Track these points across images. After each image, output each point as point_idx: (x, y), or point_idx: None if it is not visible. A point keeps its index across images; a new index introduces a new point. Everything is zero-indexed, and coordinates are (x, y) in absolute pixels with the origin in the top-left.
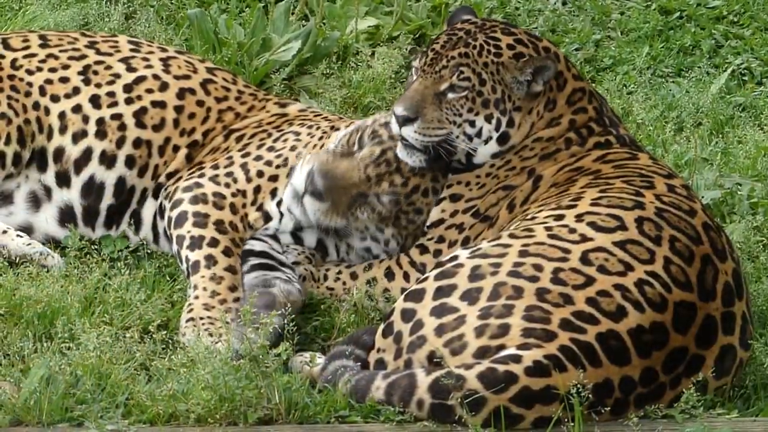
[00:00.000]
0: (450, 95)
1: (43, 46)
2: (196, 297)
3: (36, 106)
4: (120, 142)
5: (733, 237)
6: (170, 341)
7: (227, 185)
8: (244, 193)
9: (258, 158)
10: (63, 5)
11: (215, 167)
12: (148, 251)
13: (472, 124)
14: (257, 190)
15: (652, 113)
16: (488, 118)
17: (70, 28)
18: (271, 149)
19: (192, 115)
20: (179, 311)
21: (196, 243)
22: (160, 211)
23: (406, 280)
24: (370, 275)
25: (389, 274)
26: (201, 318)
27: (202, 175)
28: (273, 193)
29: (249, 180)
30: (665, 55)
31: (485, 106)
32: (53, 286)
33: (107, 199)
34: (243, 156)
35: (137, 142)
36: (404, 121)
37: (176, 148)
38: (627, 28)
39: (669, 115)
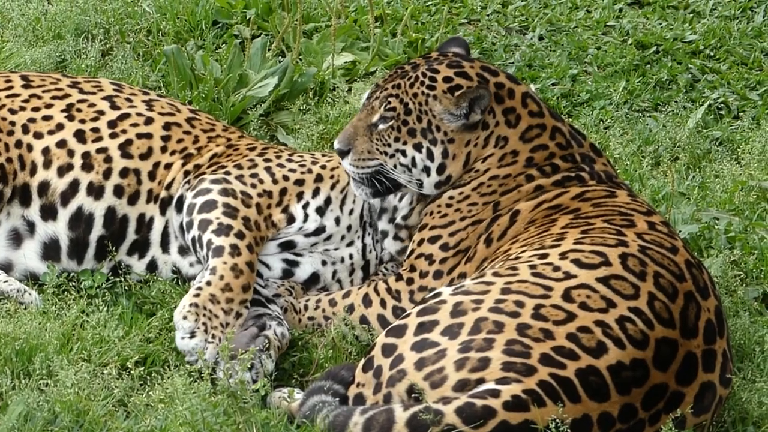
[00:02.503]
0: (380, 126)
1: (26, 86)
2: (209, 283)
3: (18, 144)
4: (107, 174)
5: (711, 271)
6: (148, 377)
7: (253, 186)
8: (270, 194)
9: (281, 165)
10: (39, 42)
11: (239, 167)
12: (126, 287)
13: (404, 153)
14: (283, 192)
15: (629, 148)
16: (418, 148)
17: (46, 65)
18: (290, 160)
19: (180, 140)
20: (157, 347)
21: (223, 230)
22: (178, 204)
23: (383, 307)
24: (348, 302)
25: (366, 301)
26: (205, 308)
27: (228, 173)
28: (299, 196)
29: (275, 182)
30: (642, 89)
31: (412, 135)
32: (31, 323)
33: (97, 230)
34: (265, 161)
35: (124, 172)
36: (340, 154)
37: (168, 166)
38: (604, 62)
39: (646, 150)
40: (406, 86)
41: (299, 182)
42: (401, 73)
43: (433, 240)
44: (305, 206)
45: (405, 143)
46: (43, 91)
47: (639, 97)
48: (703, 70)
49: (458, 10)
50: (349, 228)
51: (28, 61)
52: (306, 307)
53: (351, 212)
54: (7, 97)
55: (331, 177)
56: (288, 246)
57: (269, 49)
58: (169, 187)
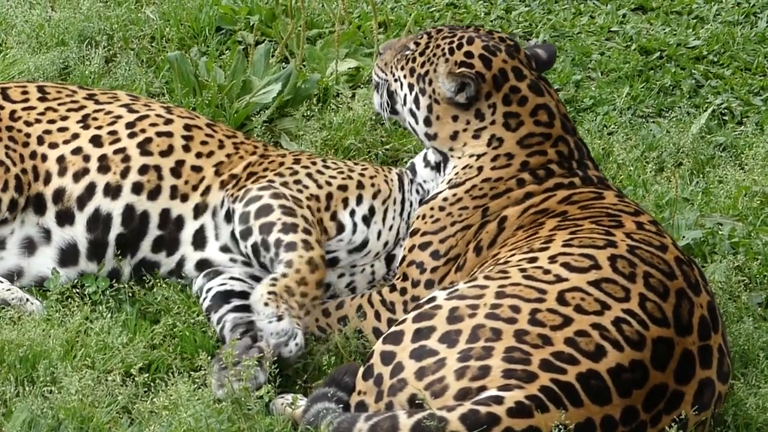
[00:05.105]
0: (405, 52)
1: (42, 99)
2: (284, 275)
3: (33, 155)
4: (125, 173)
5: (715, 277)
6: (152, 384)
7: (299, 190)
8: (317, 198)
9: (320, 172)
10: (43, 49)
11: (280, 175)
12: (130, 294)
13: (401, 85)
14: (329, 196)
15: (632, 153)
16: (410, 87)
17: (50, 72)
18: (327, 167)
19: (205, 142)
20: (161, 354)
21: (289, 228)
22: (227, 216)
23: (377, 320)
24: (341, 313)
25: (361, 314)
26: (281, 297)
27: (271, 181)
28: (345, 202)
29: (319, 186)
30: (645, 95)
31: (411, 73)
32: (35, 330)
33: (116, 229)
34: (303, 167)
35: (143, 169)
36: (377, 56)
37: (197, 168)
38: (607, 68)
39: (650, 156)
40: (440, 38)
41: (342, 188)
42: (455, 27)
43: (423, 247)
44: (352, 214)
45: (404, 76)
46: (59, 104)
47: (643, 102)
48: (707, 76)
49: (462, 15)
50: (385, 244)
51: (32, 68)
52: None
53: (390, 228)
54: (23, 109)
55: (372, 185)
56: (332, 263)
57: (273, 56)
58: (204, 193)
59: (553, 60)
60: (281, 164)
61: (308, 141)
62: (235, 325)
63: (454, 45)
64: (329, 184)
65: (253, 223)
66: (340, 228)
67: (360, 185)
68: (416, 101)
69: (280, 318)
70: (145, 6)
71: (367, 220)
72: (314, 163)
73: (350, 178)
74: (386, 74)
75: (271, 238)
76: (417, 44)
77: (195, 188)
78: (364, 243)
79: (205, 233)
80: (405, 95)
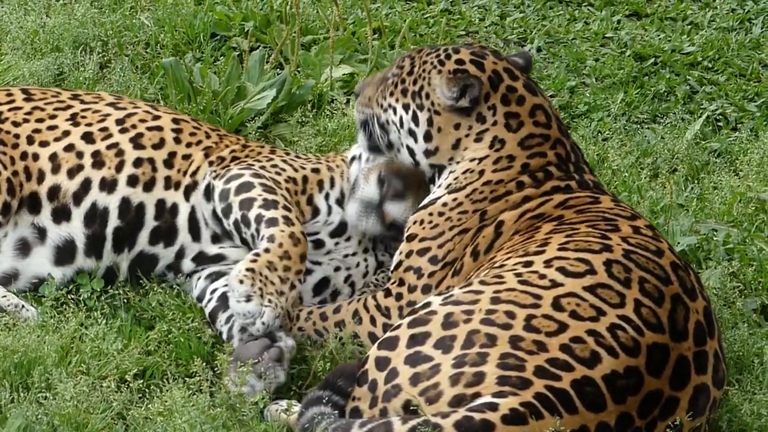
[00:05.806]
0: (388, 81)
1: (27, 99)
2: (267, 250)
3: (24, 156)
4: (119, 167)
5: (710, 283)
6: (147, 390)
7: (278, 173)
8: (294, 181)
9: (293, 159)
10: (38, 55)
11: (258, 160)
12: (125, 300)
13: (395, 110)
14: (305, 180)
15: (627, 159)
16: (406, 108)
17: (45, 78)
18: (298, 156)
19: (193, 133)
20: (156, 360)
21: (270, 204)
22: (207, 193)
23: (373, 325)
24: (338, 318)
25: (357, 318)
26: (261, 273)
27: (251, 164)
28: (320, 185)
29: (295, 170)
30: (640, 101)
31: (404, 94)
32: (30, 336)
33: (113, 223)
34: (278, 156)
35: (137, 162)
36: (355, 97)
37: (187, 156)
38: (602, 74)
39: (644, 162)
40: (425, 54)
41: (316, 170)
42: (434, 45)
43: (422, 252)
44: (327, 197)
45: (397, 100)
46: (46, 104)
47: (637, 108)
48: (702, 82)
49: (456, 22)
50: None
51: (27, 74)
52: (298, 317)
53: None
54: (10, 110)
55: (338, 166)
56: (317, 245)
57: (267, 62)
58: (194, 174)
59: (530, 66)
60: (259, 153)
61: (303, 147)
62: (243, 329)
63: (442, 57)
64: (303, 168)
65: (234, 200)
66: (316, 212)
67: (330, 169)
68: (414, 118)
69: (248, 299)
70: (140, 12)
71: (340, 202)
72: (288, 154)
73: (320, 163)
74: (372, 108)
75: (251, 214)
76: (401, 68)
77: (185, 173)
78: (343, 225)
79: (197, 215)
80: (401, 117)
